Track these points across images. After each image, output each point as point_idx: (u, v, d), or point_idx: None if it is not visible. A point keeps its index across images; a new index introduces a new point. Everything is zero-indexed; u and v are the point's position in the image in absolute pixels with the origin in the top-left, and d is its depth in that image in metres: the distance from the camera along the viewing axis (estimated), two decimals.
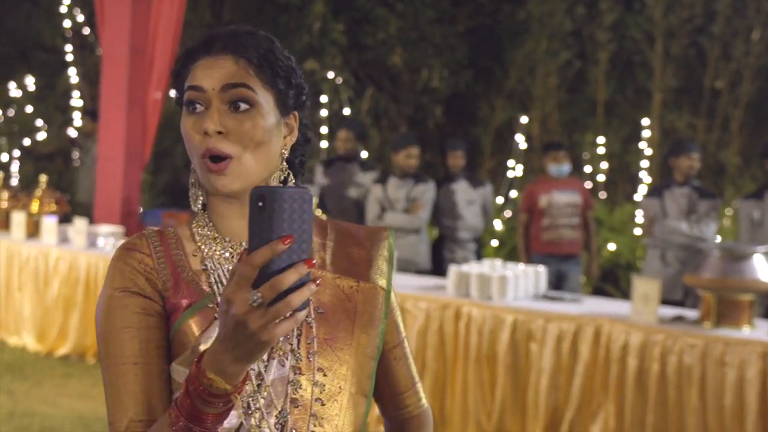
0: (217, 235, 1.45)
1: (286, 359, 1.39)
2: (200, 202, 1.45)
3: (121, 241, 6.13)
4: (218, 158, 1.35)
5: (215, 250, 1.44)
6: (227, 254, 1.44)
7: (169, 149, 12.10)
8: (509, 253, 9.45)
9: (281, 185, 1.26)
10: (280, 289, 1.12)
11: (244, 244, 1.44)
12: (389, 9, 11.49)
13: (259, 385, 1.36)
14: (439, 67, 11.40)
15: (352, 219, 7.11)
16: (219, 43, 1.39)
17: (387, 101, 11.91)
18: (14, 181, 12.44)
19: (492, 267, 5.46)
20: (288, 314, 1.13)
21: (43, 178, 7.85)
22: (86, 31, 11.86)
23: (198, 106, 1.37)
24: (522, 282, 5.30)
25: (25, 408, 5.56)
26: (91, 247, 6.82)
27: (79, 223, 6.92)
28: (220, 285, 1.41)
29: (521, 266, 5.65)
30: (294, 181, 1.47)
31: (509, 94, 11.69)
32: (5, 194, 7.68)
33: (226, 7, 12.87)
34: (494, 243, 9.52)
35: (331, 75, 11.20)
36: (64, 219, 7.57)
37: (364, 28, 11.60)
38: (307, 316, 1.41)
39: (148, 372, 1.35)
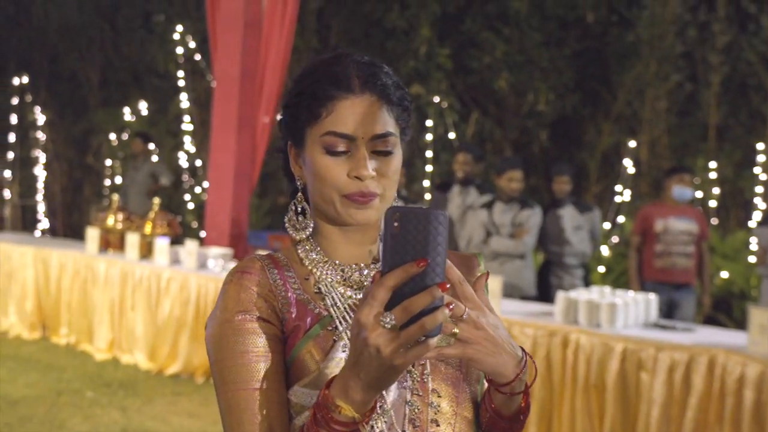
0: (327, 259, 1.46)
1: (405, 380, 1.38)
2: (308, 232, 1.47)
3: (231, 264, 6.23)
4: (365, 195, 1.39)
5: (327, 274, 1.45)
6: (339, 277, 1.45)
7: (275, 172, 12.29)
8: (616, 279, 9.27)
9: (415, 206, 1.24)
10: (413, 311, 1.10)
11: (354, 266, 1.45)
12: (495, 33, 11.47)
13: (380, 407, 1.35)
14: (546, 91, 11.31)
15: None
16: (359, 81, 1.39)
17: (492, 125, 11.86)
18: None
19: (601, 294, 5.37)
20: (421, 339, 1.12)
21: (156, 201, 8.06)
22: (197, 57, 12.18)
23: (343, 150, 1.38)
24: (632, 309, 5.19)
25: (137, 425, 5.69)
26: (201, 269, 6.97)
27: (190, 245, 7.08)
28: (336, 308, 1.41)
29: (631, 293, 5.54)
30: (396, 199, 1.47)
31: (617, 117, 11.51)
32: (120, 216, 7.92)
33: (332, 32, 13.05)
34: (601, 269, 9.36)
35: (436, 99, 11.23)
36: (176, 240, 7.76)
37: (470, 52, 11.60)
38: None
39: (271, 397, 1.34)
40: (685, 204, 6.85)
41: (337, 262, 1.46)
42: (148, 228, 7.66)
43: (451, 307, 1.14)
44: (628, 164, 10.48)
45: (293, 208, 1.48)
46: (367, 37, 12.47)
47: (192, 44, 12.09)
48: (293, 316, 1.40)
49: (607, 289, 5.50)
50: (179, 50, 12.14)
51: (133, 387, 6.56)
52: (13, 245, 8.37)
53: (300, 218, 1.48)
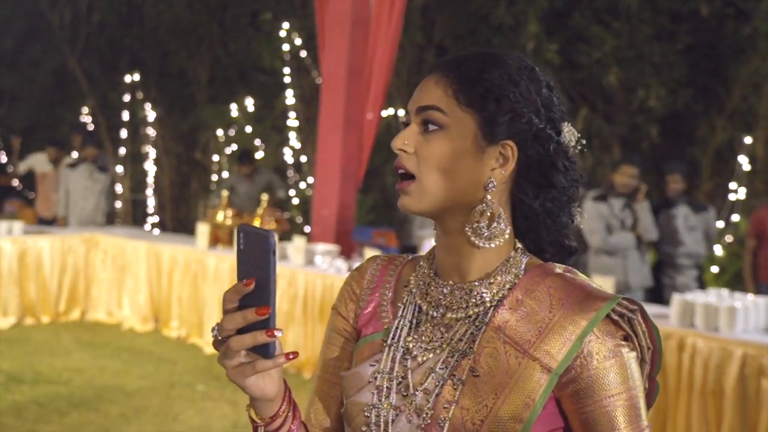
0: (430, 271, 1.38)
1: (413, 417, 1.29)
2: (433, 232, 1.41)
3: (338, 260, 6.25)
4: (404, 176, 1.31)
5: (420, 285, 1.38)
6: (424, 290, 1.37)
7: (379, 168, 12.31)
8: (730, 280, 8.98)
9: (263, 228, 1.18)
10: (226, 328, 1.15)
11: (443, 282, 1.35)
12: (605, 27, 11.23)
13: None
14: (657, 86, 11.02)
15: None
16: (435, 64, 1.36)
17: (600, 121, 11.63)
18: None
19: (719, 296, 5.20)
20: (238, 355, 1.17)
21: (264, 197, 8.15)
22: (303, 54, 12.27)
23: (405, 126, 1.35)
24: (752, 313, 5.02)
25: (248, 419, 5.74)
26: (308, 265, 7.02)
27: (298, 241, 7.14)
28: (404, 320, 1.37)
29: (750, 296, 5.35)
30: (499, 223, 1.30)
31: (731, 113, 11.14)
32: (229, 212, 8.04)
33: (437, 29, 12.98)
34: (714, 269, 9.08)
35: None
36: (283, 236, 7.84)
37: (579, 47, 11.38)
38: (455, 376, 1.27)
39: (321, 387, 1.46)
40: None
41: (432, 273, 1.38)
42: (256, 224, 7.76)
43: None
44: (743, 161, 10.13)
45: None
46: (473, 33, 12.35)
47: (298, 41, 12.18)
48: (364, 319, 1.43)
49: (725, 291, 5.33)
50: (285, 47, 12.24)
51: None
52: (126, 240, 8.59)
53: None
